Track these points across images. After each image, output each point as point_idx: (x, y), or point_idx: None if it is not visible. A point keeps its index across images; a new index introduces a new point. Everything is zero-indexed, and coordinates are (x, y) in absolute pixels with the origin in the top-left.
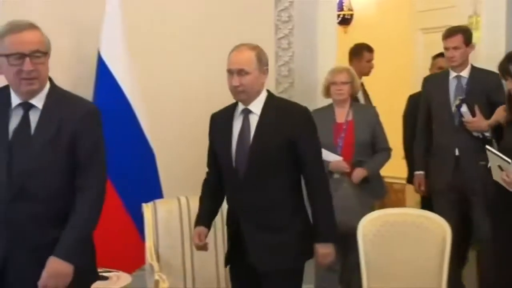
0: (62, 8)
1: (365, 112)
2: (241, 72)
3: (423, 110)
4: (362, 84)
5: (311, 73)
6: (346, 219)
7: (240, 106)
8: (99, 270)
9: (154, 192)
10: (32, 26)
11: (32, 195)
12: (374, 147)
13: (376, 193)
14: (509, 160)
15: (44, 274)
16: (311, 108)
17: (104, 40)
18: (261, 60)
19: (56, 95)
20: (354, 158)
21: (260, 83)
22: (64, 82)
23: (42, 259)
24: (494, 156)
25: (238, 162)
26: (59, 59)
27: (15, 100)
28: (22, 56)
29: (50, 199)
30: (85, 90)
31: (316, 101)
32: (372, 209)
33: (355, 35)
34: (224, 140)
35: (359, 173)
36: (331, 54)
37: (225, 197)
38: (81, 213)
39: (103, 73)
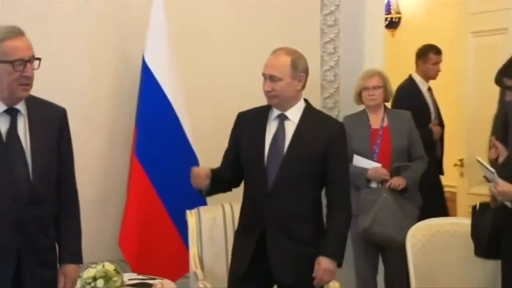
0: (107, 13)
1: (400, 117)
2: (273, 78)
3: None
4: (429, 89)
5: (357, 78)
6: (385, 230)
7: (276, 111)
8: (143, 277)
9: (198, 198)
10: (22, 31)
11: (41, 197)
12: (410, 155)
13: (416, 201)
14: (492, 170)
15: (68, 281)
16: None
17: (148, 45)
18: (297, 67)
19: (32, 99)
20: (391, 165)
21: (294, 90)
22: (108, 86)
23: (45, 260)
24: (482, 167)
25: (268, 167)
26: (104, 64)
27: None
28: (23, 61)
29: (53, 200)
30: (130, 95)
31: (361, 107)
32: (416, 218)
33: (403, 38)
34: (256, 143)
35: (397, 182)
36: (379, 58)
37: (245, 206)
38: (77, 216)
39: (147, 78)
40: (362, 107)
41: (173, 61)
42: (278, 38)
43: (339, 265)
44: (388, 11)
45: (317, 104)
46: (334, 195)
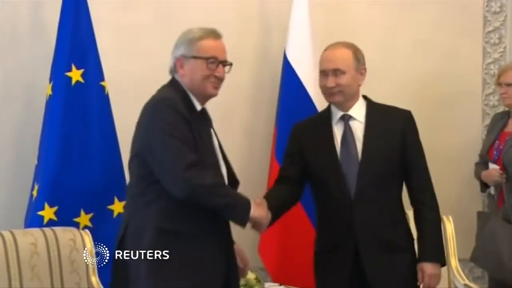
0: (246, 7)
1: None
2: (336, 72)
3: None
4: None
5: None
6: (484, 264)
7: (337, 112)
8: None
9: None
10: (220, 35)
11: None
12: None
13: None
14: None
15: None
16: None
17: (290, 40)
18: (359, 60)
19: None
20: (505, 174)
21: (357, 85)
22: (249, 81)
23: None
24: None
25: (344, 173)
26: (245, 59)
27: (196, 104)
28: (216, 61)
29: None
30: (270, 90)
31: None
32: None
33: None
34: (326, 149)
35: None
36: None
37: (325, 222)
38: None
39: (288, 76)
40: None
41: (316, 57)
42: (434, 28)
43: (443, 265)
44: None
45: (477, 101)
46: (418, 191)
